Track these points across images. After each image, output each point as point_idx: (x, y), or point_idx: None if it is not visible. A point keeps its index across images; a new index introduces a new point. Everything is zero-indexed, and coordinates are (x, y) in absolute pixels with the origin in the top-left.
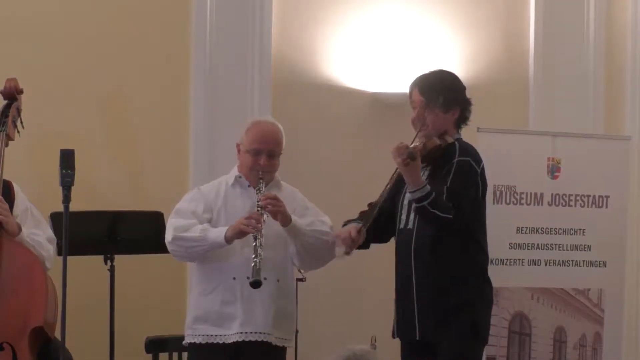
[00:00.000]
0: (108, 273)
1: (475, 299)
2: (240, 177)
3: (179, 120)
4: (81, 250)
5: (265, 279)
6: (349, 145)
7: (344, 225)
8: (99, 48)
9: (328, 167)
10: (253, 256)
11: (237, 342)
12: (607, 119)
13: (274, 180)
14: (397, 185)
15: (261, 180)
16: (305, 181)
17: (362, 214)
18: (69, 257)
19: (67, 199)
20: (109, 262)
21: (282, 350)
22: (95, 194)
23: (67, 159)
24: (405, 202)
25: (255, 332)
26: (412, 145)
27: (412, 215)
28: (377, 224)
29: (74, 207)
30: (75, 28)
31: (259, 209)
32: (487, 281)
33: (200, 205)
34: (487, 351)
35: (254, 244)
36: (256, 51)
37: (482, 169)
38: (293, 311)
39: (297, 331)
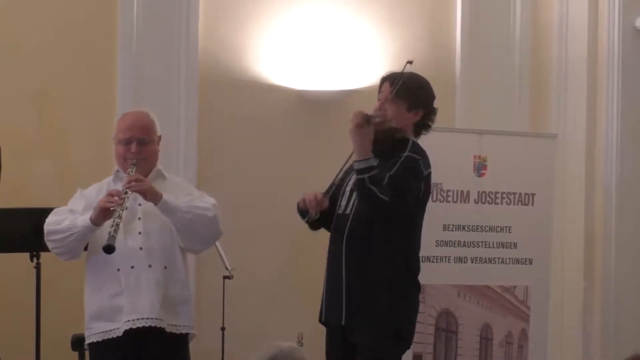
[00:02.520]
0: (34, 270)
1: (401, 300)
2: (118, 170)
3: (106, 118)
4: (7, 247)
5: (150, 266)
6: (275, 142)
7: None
8: (26, 45)
9: (254, 163)
10: (110, 225)
11: (129, 333)
12: (533, 117)
13: (155, 170)
14: (346, 175)
15: (133, 166)
16: (232, 177)
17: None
18: None
19: None
20: (35, 260)
21: (181, 337)
22: (24, 191)
23: None
24: (348, 189)
25: (142, 319)
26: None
27: (352, 202)
28: (327, 211)
29: (3, 203)
30: (2, 26)
31: (123, 189)
32: (416, 285)
33: (81, 204)
34: (413, 348)
35: (113, 216)
36: (183, 49)
37: (429, 175)
38: (188, 298)
39: (224, 328)
